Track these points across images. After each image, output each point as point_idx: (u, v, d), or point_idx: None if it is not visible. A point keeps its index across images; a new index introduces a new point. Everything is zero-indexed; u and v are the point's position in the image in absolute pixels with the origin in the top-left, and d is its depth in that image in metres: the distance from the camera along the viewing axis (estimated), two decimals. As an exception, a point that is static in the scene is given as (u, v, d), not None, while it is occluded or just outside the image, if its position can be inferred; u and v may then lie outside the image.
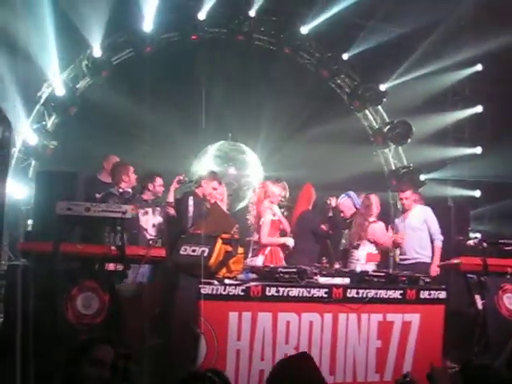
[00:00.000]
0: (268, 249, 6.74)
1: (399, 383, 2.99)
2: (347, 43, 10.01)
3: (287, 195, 7.65)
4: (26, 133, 8.22)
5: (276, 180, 7.35)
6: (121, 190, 6.51)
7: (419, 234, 7.20)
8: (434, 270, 6.89)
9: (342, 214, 7.50)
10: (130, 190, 6.66)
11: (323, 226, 7.49)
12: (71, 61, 8.74)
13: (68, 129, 8.55)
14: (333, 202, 7.52)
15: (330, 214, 7.60)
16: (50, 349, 4.39)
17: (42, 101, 8.50)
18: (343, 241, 7.49)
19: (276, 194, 6.95)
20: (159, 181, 7.00)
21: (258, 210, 6.95)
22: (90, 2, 8.01)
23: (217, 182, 6.65)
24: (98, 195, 6.59)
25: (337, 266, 6.67)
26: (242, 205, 8.76)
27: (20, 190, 8.03)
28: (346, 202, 7.52)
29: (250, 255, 6.66)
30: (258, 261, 6.47)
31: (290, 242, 6.86)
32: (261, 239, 6.72)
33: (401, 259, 7.35)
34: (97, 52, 8.63)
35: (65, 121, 8.68)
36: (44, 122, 8.58)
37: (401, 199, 7.47)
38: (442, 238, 7.15)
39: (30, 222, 7.15)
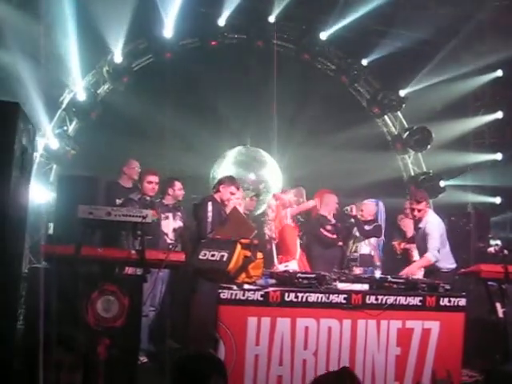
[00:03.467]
0: (298, 254, 6.92)
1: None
2: (367, 49, 10.02)
3: (304, 200, 7.74)
4: (47, 137, 8.33)
5: (285, 189, 7.57)
6: (139, 196, 6.57)
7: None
8: (412, 272, 6.57)
9: (361, 213, 7.53)
10: (147, 197, 6.71)
11: (325, 232, 7.51)
12: (92, 66, 8.86)
13: (89, 134, 8.64)
14: (353, 209, 7.53)
15: (351, 221, 7.63)
16: (71, 352, 4.43)
17: (63, 106, 8.62)
18: (357, 247, 7.51)
19: (292, 201, 7.13)
20: (178, 185, 7.05)
21: (279, 222, 7.22)
22: (112, 9, 8.09)
23: (235, 187, 6.66)
24: (118, 200, 6.65)
25: (357, 271, 6.65)
26: (260, 210, 8.77)
27: (41, 194, 8.14)
28: (371, 207, 7.58)
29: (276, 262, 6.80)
30: (292, 265, 6.49)
31: (311, 202, 7.43)
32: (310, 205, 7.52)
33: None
34: (117, 58, 8.73)
35: (86, 126, 8.79)
36: (65, 127, 8.69)
37: (413, 210, 6.96)
38: (436, 255, 6.68)
39: (51, 225, 7.21)
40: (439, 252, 6.70)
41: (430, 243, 6.69)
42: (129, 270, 5.41)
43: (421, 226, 6.86)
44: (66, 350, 3.93)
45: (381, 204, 7.78)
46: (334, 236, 7.61)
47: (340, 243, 7.70)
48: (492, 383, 2.57)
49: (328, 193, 7.80)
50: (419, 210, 6.84)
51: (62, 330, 3.83)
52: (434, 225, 6.79)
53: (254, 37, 9.57)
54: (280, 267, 6.21)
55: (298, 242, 7.27)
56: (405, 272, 6.44)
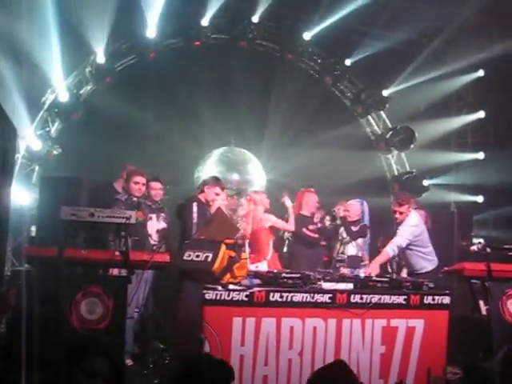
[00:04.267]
0: (269, 255, 6.85)
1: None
2: (350, 49, 10.07)
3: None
4: (29, 138, 8.25)
5: (258, 191, 7.63)
6: (125, 197, 6.49)
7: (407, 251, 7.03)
8: (373, 269, 6.33)
9: (348, 213, 7.56)
10: (134, 198, 6.63)
11: (307, 232, 7.54)
12: (75, 67, 8.80)
13: (71, 135, 8.59)
14: (341, 210, 7.56)
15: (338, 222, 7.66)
16: (54, 354, 4.38)
17: (45, 107, 8.55)
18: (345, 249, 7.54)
19: (264, 201, 7.15)
20: (157, 185, 6.99)
21: (253, 219, 7.19)
22: (94, 9, 8.04)
23: (219, 188, 6.64)
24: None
25: (346, 272, 6.66)
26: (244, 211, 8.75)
27: (24, 196, 8.06)
28: (356, 206, 7.59)
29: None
30: (263, 266, 6.52)
31: (290, 226, 7.33)
32: (290, 228, 7.42)
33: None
34: (100, 58, 8.68)
35: (68, 127, 8.74)
36: (48, 128, 8.63)
37: (395, 212, 6.79)
38: (394, 249, 6.55)
39: (33, 227, 7.15)
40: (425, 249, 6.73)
41: (394, 239, 6.63)
42: (113, 272, 5.37)
43: (399, 227, 6.86)
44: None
45: (365, 204, 7.80)
46: (316, 235, 7.64)
47: (323, 243, 7.71)
48: (472, 380, 2.59)
49: (308, 192, 7.81)
50: (401, 213, 6.78)
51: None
52: (407, 225, 6.70)
53: (238, 37, 9.56)
54: (251, 267, 6.19)
55: (271, 242, 7.23)
56: (367, 270, 6.35)
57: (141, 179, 6.70)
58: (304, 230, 7.59)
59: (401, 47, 9.89)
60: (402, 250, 6.71)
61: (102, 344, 3.09)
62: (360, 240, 7.67)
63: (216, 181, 6.78)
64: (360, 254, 7.63)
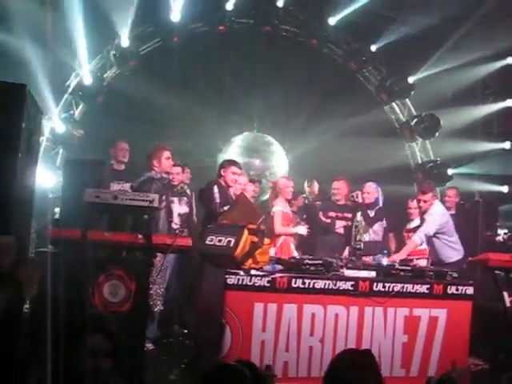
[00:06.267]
0: (279, 241, 6.81)
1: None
2: (375, 35, 9.90)
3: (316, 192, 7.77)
4: (54, 121, 8.30)
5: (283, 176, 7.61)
6: (158, 176, 6.41)
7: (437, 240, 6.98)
8: (396, 258, 6.44)
9: (367, 195, 7.51)
10: (167, 176, 6.57)
11: (322, 217, 7.50)
12: (99, 50, 8.79)
13: (95, 118, 8.61)
14: (359, 196, 7.49)
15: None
16: (78, 336, 4.41)
17: (70, 90, 8.58)
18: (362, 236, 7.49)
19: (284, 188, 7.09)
20: (176, 169, 6.96)
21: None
22: (119, -8, 8.03)
23: (236, 167, 6.60)
24: (112, 184, 6.60)
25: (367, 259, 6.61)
26: (266, 196, 8.74)
27: (48, 179, 8.11)
28: (373, 189, 7.55)
29: None
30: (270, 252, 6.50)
31: (301, 230, 6.98)
32: (275, 229, 6.82)
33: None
34: (124, 42, 8.67)
35: (92, 110, 8.76)
36: (72, 111, 8.67)
37: (419, 201, 6.85)
38: (423, 238, 6.61)
39: (57, 210, 7.19)
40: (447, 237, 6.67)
41: (422, 227, 6.66)
42: (136, 255, 5.38)
43: (425, 216, 6.82)
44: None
45: (379, 188, 7.77)
46: (329, 221, 7.60)
47: (339, 230, 7.64)
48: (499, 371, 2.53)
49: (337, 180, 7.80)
50: (425, 201, 6.77)
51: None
52: (433, 214, 6.69)
53: (262, 21, 9.47)
54: None
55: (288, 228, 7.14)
56: (392, 257, 6.40)
57: (170, 155, 6.64)
58: (320, 214, 7.58)
59: (427, 33, 9.69)
60: (429, 238, 6.67)
61: (105, 322, 3.05)
62: (376, 225, 7.61)
63: (231, 161, 6.77)
64: (378, 239, 7.57)
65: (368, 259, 6.64)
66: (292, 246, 6.97)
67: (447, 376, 2.88)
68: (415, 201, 7.41)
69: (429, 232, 6.59)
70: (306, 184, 8.38)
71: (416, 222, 7.41)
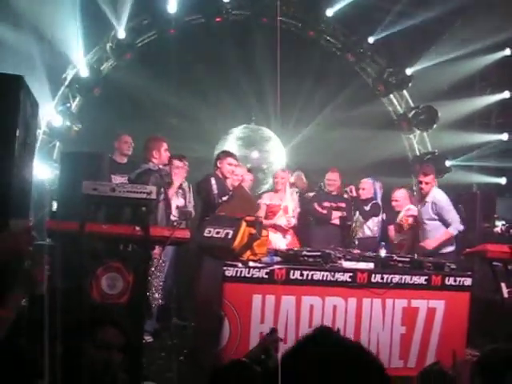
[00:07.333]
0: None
1: (427, 371, 2.90)
2: (373, 27, 9.86)
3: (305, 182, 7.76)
4: (50, 114, 8.26)
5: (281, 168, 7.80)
6: (156, 168, 6.38)
7: (434, 225, 7.04)
8: (428, 246, 6.73)
9: (362, 191, 7.52)
10: (165, 168, 6.56)
11: (318, 208, 7.52)
12: (96, 43, 8.75)
13: (92, 110, 8.57)
14: (353, 190, 7.51)
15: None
16: (76, 328, 4.40)
17: (66, 82, 8.54)
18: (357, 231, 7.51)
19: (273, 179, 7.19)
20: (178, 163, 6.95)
21: None
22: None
23: (232, 159, 6.58)
24: (113, 176, 6.57)
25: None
26: (264, 188, 8.73)
27: (45, 172, 8.09)
28: (369, 184, 7.58)
29: None
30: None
31: (280, 220, 7.02)
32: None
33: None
34: (121, 34, 8.63)
35: (89, 102, 8.72)
36: (68, 104, 8.62)
37: (420, 182, 6.97)
38: (459, 227, 6.81)
39: (54, 202, 7.17)
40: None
41: (450, 216, 6.82)
42: (133, 247, 5.37)
43: (428, 199, 6.88)
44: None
45: (377, 183, 7.77)
46: (325, 212, 7.60)
47: (335, 222, 7.64)
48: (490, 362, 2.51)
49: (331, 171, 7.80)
50: (427, 183, 6.89)
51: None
52: (445, 198, 6.89)
53: (259, 13, 9.42)
54: None
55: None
56: (425, 243, 6.62)
57: (167, 146, 6.62)
58: (315, 205, 7.58)
59: (425, 25, 9.67)
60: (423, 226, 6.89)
61: (114, 315, 3.02)
62: (370, 221, 7.61)
63: (226, 153, 6.76)
64: (372, 235, 7.58)
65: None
66: (276, 238, 6.99)
67: (432, 368, 2.88)
68: (400, 191, 7.48)
69: (458, 218, 6.83)
70: (292, 177, 8.36)
71: (403, 212, 7.44)
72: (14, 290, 2.71)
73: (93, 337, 2.81)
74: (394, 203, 7.56)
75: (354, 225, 7.55)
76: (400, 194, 7.49)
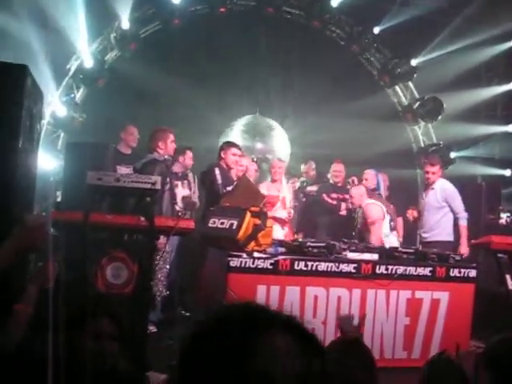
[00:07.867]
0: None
1: (435, 360, 2.87)
2: (378, 17, 9.81)
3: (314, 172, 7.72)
4: (55, 105, 8.26)
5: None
6: (162, 158, 6.37)
7: (439, 212, 7.05)
8: (464, 252, 6.68)
9: (365, 182, 7.53)
10: (170, 158, 6.57)
11: (327, 198, 7.50)
12: (100, 33, 8.73)
13: (96, 101, 8.56)
14: (355, 181, 7.51)
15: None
16: (81, 318, 4.41)
17: (70, 73, 8.53)
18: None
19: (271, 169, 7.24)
20: (189, 154, 7.00)
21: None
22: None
23: (235, 149, 6.57)
24: (118, 167, 6.57)
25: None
26: (268, 179, 8.69)
27: (49, 162, 8.09)
28: (372, 175, 7.57)
29: None
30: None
31: (279, 213, 6.96)
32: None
33: (422, 237, 7.23)
34: (125, 24, 8.59)
35: (93, 93, 8.71)
36: (73, 94, 8.62)
37: (427, 172, 7.06)
38: (466, 215, 6.89)
39: (59, 193, 7.18)
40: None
41: (457, 203, 6.89)
42: (138, 237, 5.37)
43: (434, 187, 6.89)
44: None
45: (380, 175, 7.76)
46: (335, 203, 7.59)
47: (343, 212, 7.64)
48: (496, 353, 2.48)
49: (336, 162, 7.80)
50: (433, 173, 6.92)
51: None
52: (452, 186, 6.97)
53: (264, 3, 9.39)
54: None
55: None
56: (461, 251, 6.57)
57: (173, 137, 6.63)
58: (324, 195, 7.57)
59: (430, 15, 9.61)
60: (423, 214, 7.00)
61: (108, 304, 3.00)
62: None
63: (230, 143, 6.76)
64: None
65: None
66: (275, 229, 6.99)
67: (439, 357, 2.85)
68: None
69: (462, 207, 6.89)
70: (302, 165, 8.38)
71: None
72: (31, 285, 2.71)
73: (83, 327, 2.78)
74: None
75: (355, 215, 7.53)
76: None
